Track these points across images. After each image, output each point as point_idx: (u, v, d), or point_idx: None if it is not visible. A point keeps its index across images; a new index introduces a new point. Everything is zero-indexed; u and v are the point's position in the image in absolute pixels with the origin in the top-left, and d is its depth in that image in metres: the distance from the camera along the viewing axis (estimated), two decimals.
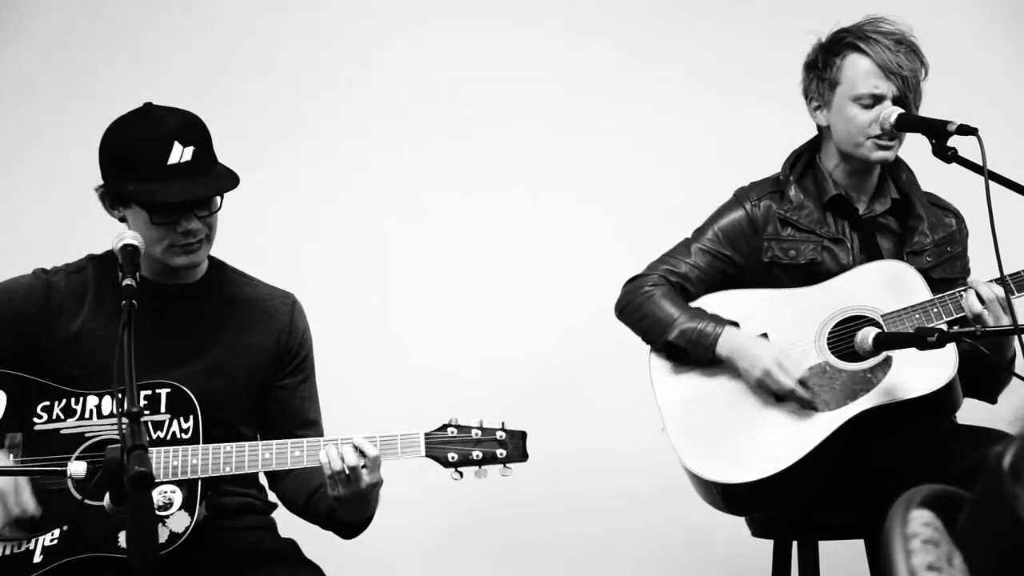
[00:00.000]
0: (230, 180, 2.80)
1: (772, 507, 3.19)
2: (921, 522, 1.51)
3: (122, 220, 2.85)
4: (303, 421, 2.90)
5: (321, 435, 2.90)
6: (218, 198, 2.82)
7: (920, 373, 3.05)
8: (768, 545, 3.37)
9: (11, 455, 2.73)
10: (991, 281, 3.06)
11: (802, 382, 3.11)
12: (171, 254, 2.80)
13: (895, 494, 1.59)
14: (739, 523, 3.40)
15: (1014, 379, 2.91)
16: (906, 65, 3.17)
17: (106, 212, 2.85)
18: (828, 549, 3.36)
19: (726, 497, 3.12)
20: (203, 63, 4.16)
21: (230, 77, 4.16)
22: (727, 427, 3.15)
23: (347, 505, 2.76)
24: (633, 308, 3.29)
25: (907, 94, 3.17)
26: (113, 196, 2.81)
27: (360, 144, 4.21)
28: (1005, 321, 3.02)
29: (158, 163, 2.73)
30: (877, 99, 3.18)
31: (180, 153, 2.73)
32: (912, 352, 2.92)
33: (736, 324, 3.20)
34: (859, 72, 3.19)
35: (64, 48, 4.19)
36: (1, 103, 4.19)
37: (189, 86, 4.03)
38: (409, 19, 4.25)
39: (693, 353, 3.19)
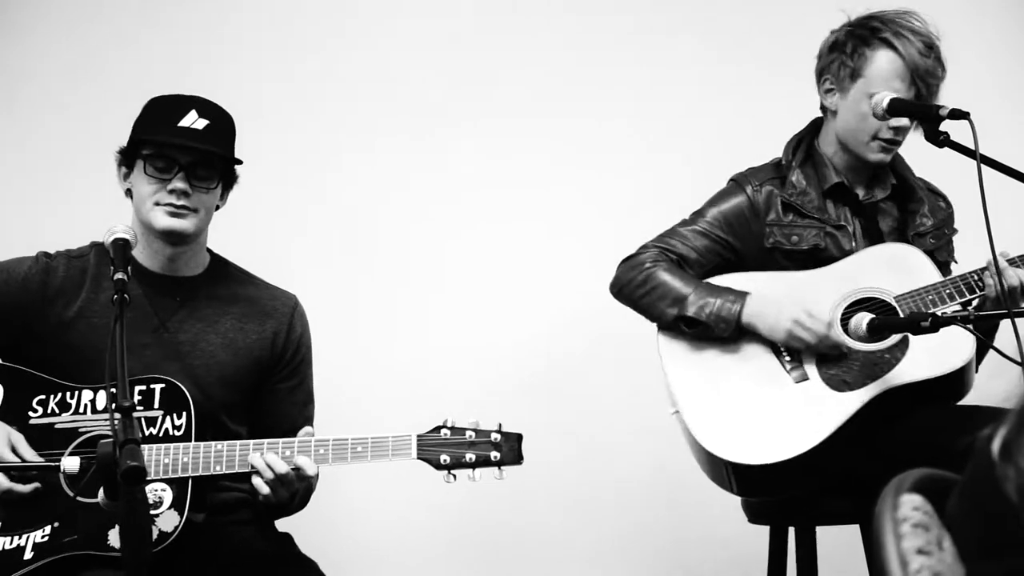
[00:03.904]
0: (230, 154, 2.88)
1: (786, 490, 3.14)
2: (911, 506, 1.52)
3: (128, 193, 2.89)
4: (292, 427, 2.87)
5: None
6: (215, 179, 2.85)
7: (938, 354, 3.04)
8: (765, 531, 3.37)
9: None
10: (1009, 262, 3.07)
11: (830, 325, 3.11)
12: (157, 213, 2.82)
13: (887, 478, 1.60)
14: (736, 509, 3.40)
15: (1002, 361, 2.90)
16: (932, 72, 3.15)
17: (119, 183, 2.92)
18: (825, 534, 3.36)
19: (739, 478, 3.09)
20: (207, 63, 4.16)
21: (233, 77, 4.14)
22: (744, 407, 3.12)
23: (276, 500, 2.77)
24: (634, 285, 3.24)
25: (927, 100, 3.14)
26: (124, 155, 2.88)
27: (357, 143, 4.21)
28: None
29: (171, 122, 2.83)
30: None
31: (194, 120, 2.83)
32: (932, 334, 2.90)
33: (751, 294, 3.17)
34: (887, 70, 3.15)
35: (70, 43, 4.19)
36: (7, 97, 4.19)
37: (192, 83, 4.02)
38: (406, 17, 4.24)
39: (716, 328, 3.14)
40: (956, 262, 3.34)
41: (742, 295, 3.16)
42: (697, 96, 4.22)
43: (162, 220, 2.82)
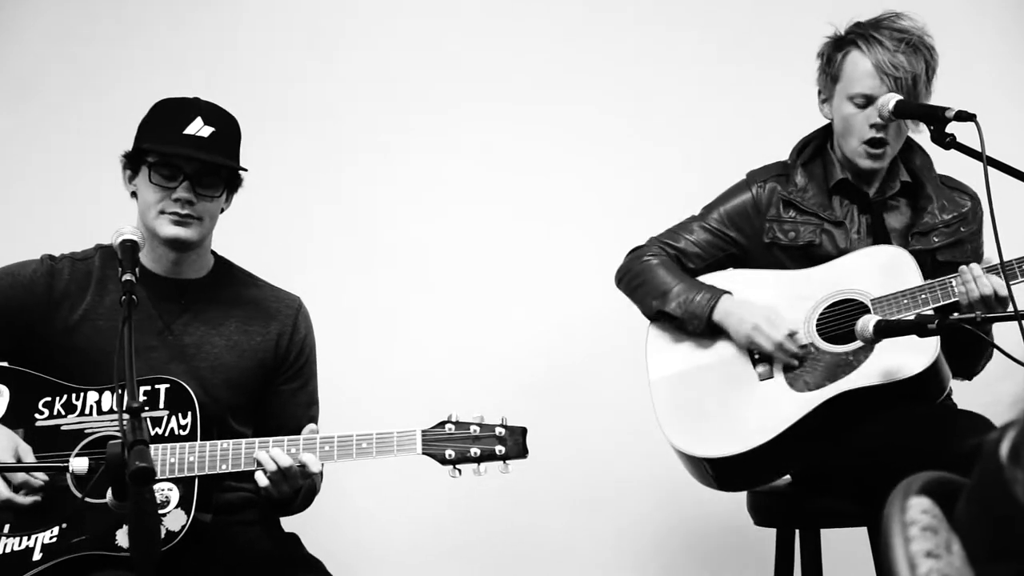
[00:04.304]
0: (235, 164, 2.87)
1: (755, 481, 3.25)
2: (920, 509, 1.52)
3: (133, 195, 2.89)
4: (297, 428, 2.86)
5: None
6: (220, 187, 2.86)
7: (900, 358, 3.06)
8: (771, 534, 3.37)
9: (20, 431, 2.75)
10: (989, 269, 3.06)
11: (791, 335, 3.16)
12: (162, 221, 2.83)
13: (895, 482, 1.59)
14: (742, 512, 3.40)
15: (1011, 363, 2.90)
16: (902, 66, 3.16)
17: (124, 185, 2.92)
18: (830, 537, 3.36)
19: (714, 473, 3.16)
20: (211, 64, 4.15)
21: (236, 78, 4.13)
22: (711, 403, 3.20)
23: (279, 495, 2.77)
24: (631, 276, 3.35)
25: (900, 95, 3.15)
26: (131, 158, 2.88)
27: (359, 144, 4.20)
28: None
29: (175, 129, 2.82)
30: (869, 100, 3.18)
31: (198, 128, 2.83)
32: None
33: (731, 293, 3.24)
34: (856, 71, 3.20)
35: (74, 45, 4.19)
36: (10, 99, 4.19)
37: (196, 85, 4.02)
38: (406, 16, 4.23)
39: (689, 323, 3.24)
40: (979, 261, 3.32)
41: (719, 294, 3.24)
42: (698, 94, 4.21)
43: (167, 229, 2.83)
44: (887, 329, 2.97)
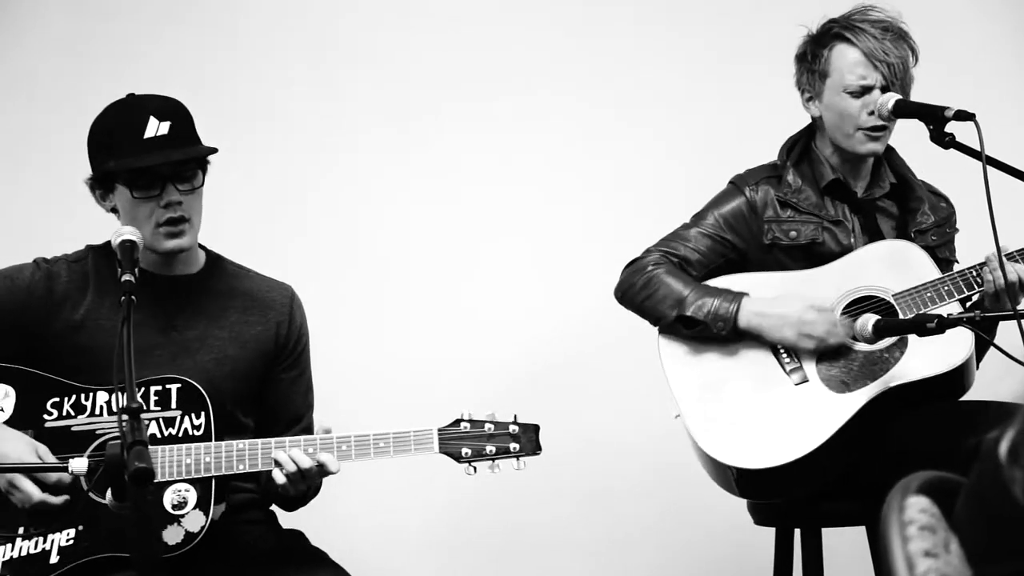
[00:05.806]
0: (206, 148, 2.85)
1: (788, 492, 3.16)
2: (918, 508, 1.52)
3: (113, 211, 2.87)
4: (296, 416, 2.89)
5: (310, 431, 2.91)
6: (200, 175, 2.84)
7: (937, 352, 3.04)
8: (770, 533, 3.37)
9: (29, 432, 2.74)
10: (1007, 257, 3.07)
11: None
12: (158, 237, 2.81)
13: (893, 481, 1.59)
14: (741, 512, 3.40)
15: (1008, 361, 2.91)
16: (892, 52, 3.19)
17: (98, 205, 2.89)
18: (831, 536, 3.36)
19: (741, 482, 3.10)
20: (204, 62, 4.16)
21: (230, 74, 4.15)
22: (746, 411, 3.13)
23: (295, 493, 2.78)
24: (636, 289, 3.27)
25: (893, 81, 3.19)
26: (99, 181, 2.85)
27: (360, 139, 4.21)
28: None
29: (135, 138, 2.78)
30: (865, 89, 3.20)
31: (156, 127, 2.78)
32: None
33: (747, 295, 3.19)
34: (847, 62, 3.22)
35: (65, 43, 4.19)
36: (3, 98, 4.19)
37: (190, 82, 4.03)
38: (403, 15, 4.24)
39: (713, 326, 3.16)
40: (957, 261, 3.36)
41: (739, 295, 3.18)
42: (702, 97, 4.22)
43: (165, 244, 2.82)
44: (886, 328, 2.97)
